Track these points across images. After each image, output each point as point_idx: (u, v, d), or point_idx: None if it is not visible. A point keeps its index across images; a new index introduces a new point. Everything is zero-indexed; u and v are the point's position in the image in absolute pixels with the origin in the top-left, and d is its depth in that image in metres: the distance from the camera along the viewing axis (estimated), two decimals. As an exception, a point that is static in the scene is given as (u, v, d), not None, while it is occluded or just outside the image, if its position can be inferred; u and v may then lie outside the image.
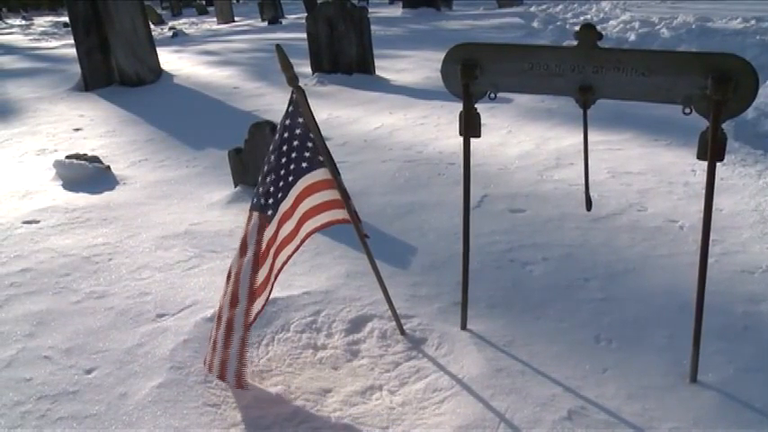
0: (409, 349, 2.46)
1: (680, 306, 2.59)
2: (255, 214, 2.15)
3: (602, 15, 13.26)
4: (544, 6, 16.57)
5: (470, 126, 2.26)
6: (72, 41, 8.63)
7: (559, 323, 2.55)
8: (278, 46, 2.08)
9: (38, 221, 3.90)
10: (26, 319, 2.76)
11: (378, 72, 8.16)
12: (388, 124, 5.81)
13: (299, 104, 2.14)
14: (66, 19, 17.11)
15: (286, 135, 2.15)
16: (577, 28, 2.06)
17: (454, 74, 2.19)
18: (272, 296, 2.32)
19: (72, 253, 3.42)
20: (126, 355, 2.48)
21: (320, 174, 2.21)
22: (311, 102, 2.20)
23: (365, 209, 3.63)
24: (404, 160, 4.69)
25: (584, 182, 2.28)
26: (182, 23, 20.38)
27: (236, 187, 4.15)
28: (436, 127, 5.60)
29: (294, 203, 2.20)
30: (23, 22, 26.14)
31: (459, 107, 2.26)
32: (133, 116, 6.80)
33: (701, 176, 3.90)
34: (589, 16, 13.43)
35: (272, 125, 3.83)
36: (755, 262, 2.92)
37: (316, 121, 2.15)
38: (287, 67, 2.04)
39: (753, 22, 9.88)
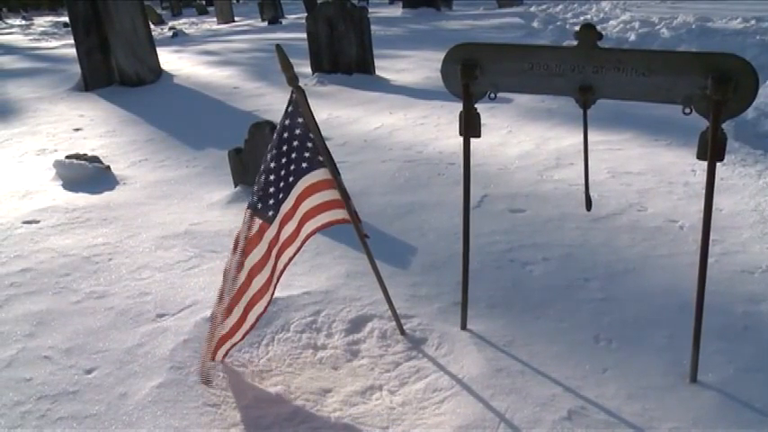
0: (409, 349, 2.46)
1: (680, 306, 2.59)
2: (255, 217, 2.14)
3: (602, 15, 13.26)
4: (544, 6, 16.57)
5: (470, 126, 2.26)
6: (72, 41, 8.63)
7: (559, 323, 2.55)
8: (278, 46, 2.08)
9: (38, 221, 3.90)
10: (26, 319, 2.76)
11: (378, 72, 8.16)
12: (388, 124, 5.81)
13: (298, 104, 2.13)
14: (66, 19, 17.11)
15: (286, 135, 2.15)
16: (577, 28, 2.06)
17: (454, 74, 2.19)
18: (249, 333, 2.32)
19: (72, 253, 3.42)
20: (126, 355, 2.48)
21: (320, 174, 2.21)
22: (311, 102, 2.20)
23: (365, 209, 3.63)
24: (404, 160, 4.69)
25: (584, 182, 2.28)
26: (182, 23, 20.39)
27: (236, 187, 4.15)
28: (436, 127, 5.60)
29: (295, 204, 2.20)
30: (23, 22, 26.14)
31: (459, 107, 2.26)
32: (133, 116, 6.80)
33: (701, 176, 3.90)
34: (589, 16, 13.43)
35: (271, 125, 3.83)
36: (755, 262, 2.92)
37: (316, 121, 2.15)
38: (287, 67, 2.04)
39: (753, 22, 9.89)
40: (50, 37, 17.89)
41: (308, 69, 8.26)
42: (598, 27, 2.42)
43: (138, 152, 5.43)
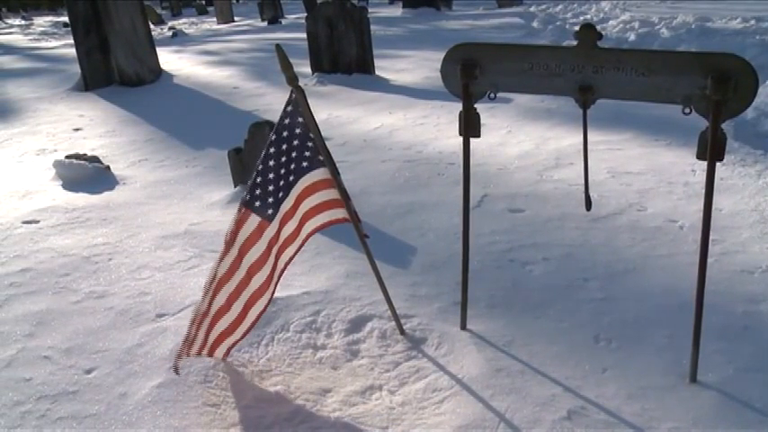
0: (409, 349, 2.46)
1: (680, 306, 2.59)
2: (253, 214, 2.13)
3: (601, 15, 13.26)
4: (544, 6, 16.57)
5: (470, 126, 2.26)
6: (72, 41, 8.63)
7: (559, 323, 2.55)
8: (278, 46, 2.08)
9: (38, 221, 3.90)
10: (26, 319, 2.76)
11: (377, 72, 8.16)
12: (388, 124, 5.81)
13: (298, 104, 2.13)
14: (65, 19, 17.12)
15: (285, 134, 2.15)
16: (577, 28, 2.06)
17: (454, 74, 2.19)
18: (251, 331, 2.32)
19: (72, 253, 3.42)
20: (126, 354, 2.48)
21: (320, 173, 2.21)
22: (311, 102, 2.20)
23: (365, 209, 3.63)
24: (403, 160, 4.69)
25: (583, 182, 2.28)
26: (181, 23, 20.38)
27: (235, 187, 4.15)
28: (436, 127, 5.60)
29: (295, 203, 2.19)
30: (23, 22, 26.14)
31: (458, 107, 2.26)
32: (133, 116, 6.80)
33: (701, 176, 3.90)
34: (589, 16, 13.44)
35: (271, 125, 3.83)
36: (755, 262, 2.92)
37: (315, 121, 2.15)
38: (287, 67, 2.04)
39: (752, 22, 9.89)
40: (50, 37, 17.89)
41: (308, 69, 8.26)
42: (598, 27, 2.42)
43: (138, 152, 5.43)
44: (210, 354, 2.29)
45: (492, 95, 2.20)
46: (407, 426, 2.06)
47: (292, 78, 2.07)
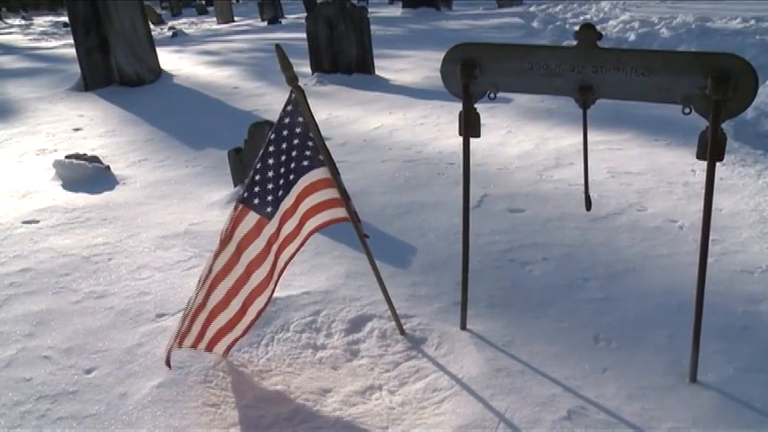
0: (409, 349, 2.46)
1: (679, 306, 2.59)
2: (251, 212, 2.13)
3: (601, 15, 13.26)
4: (544, 6, 16.57)
5: (470, 126, 2.26)
6: (71, 41, 8.63)
7: (559, 323, 2.55)
8: (278, 46, 2.08)
9: (37, 221, 3.90)
10: (26, 319, 2.76)
11: (377, 72, 8.16)
12: (388, 124, 5.81)
13: (298, 104, 2.14)
14: (65, 19, 17.12)
15: (285, 133, 2.15)
16: (577, 28, 2.06)
17: (454, 74, 2.19)
18: (251, 328, 2.32)
19: (72, 253, 3.42)
20: (126, 354, 2.48)
21: (321, 173, 2.21)
22: (311, 101, 2.20)
23: (365, 209, 3.63)
24: (403, 160, 4.69)
25: (583, 182, 2.28)
26: (181, 23, 20.38)
27: (235, 187, 4.15)
28: (436, 127, 5.60)
29: (296, 202, 2.20)
30: (23, 22, 26.14)
31: (458, 107, 2.26)
32: (133, 116, 6.80)
33: (701, 176, 3.90)
34: (589, 16, 13.44)
35: (271, 125, 3.83)
36: (755, 262, 2.92)
37: (315, 121, 2.15)
38: (287, 67, 2.04)
39: (752, 21, 9.89)
40: (50, 37, 17.88)
41: (308, 69, 8.26)
42: (598, 27, 2.42)
43: (138, 152, 5.43)
44: (209, 349, 2.28)
45: (492, 95, 2.20)
46: (407, 426, 2.06)
47: (292, 78, 2.07)
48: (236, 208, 2.13)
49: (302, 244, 2.28)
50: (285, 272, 2.29)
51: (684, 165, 4.20)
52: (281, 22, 17.32)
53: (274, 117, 5.20)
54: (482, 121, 2.33)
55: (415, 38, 11.91)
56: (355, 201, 2.46)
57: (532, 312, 2.63)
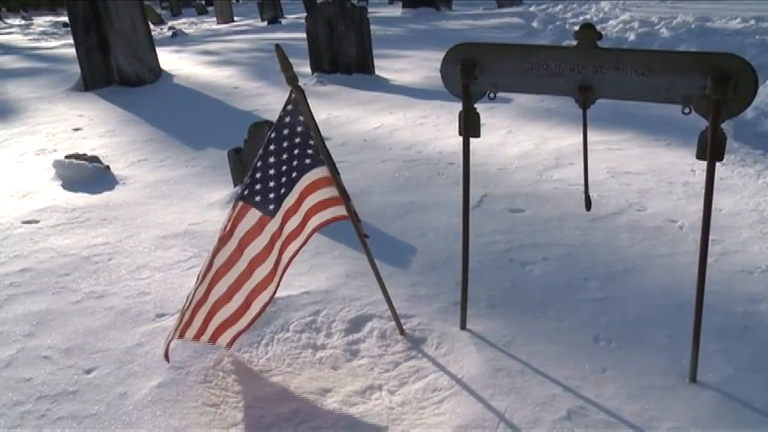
0: (409, 349, 2.46)
1: (679, 306, 2.59)
2: (252, 209, 2.14)
3: (601, 15, 13.26)
4: (544, 6, 16.57)
5: (470, 126, 2.26)
6: (71, 41, 8.63)
7: (559, 323, 2.55)
8: (277, 46, 2.08)
9: (37, 221, 3.90)
10: (26, 319, 2.76)
11: (377, 72, 8.16)
12: (388, 124, 5.81)
13: (298, 104, 2.14)
14: (65, 19, 17.11)
15: (286, 132, 2.16)
16: (577, 28, 2.06)
17: (454, 74, 2.19)
18: (255, 321, 2.32)
19: (72, 253, 3.42)
20: (125, 354, 2.48)
21: (323, 171, 2.22)
22: (311, 101, 2.20)
23: (365, 208, 3.63)
24: (403, 160, 4.69)
25: (583, 182, 2.28)
26: (181, 23, 20.38)
27: (235, 187, 4.15)
28: (436, 127, 5.60)
29: (299, 199, 2.21)
30: (23, 22, 26.13)
31: (458, 107, 2.26)
32: (133, 116, 6.80)
33: (701, 176, 3.90)
34: (589, 16, 13.44)
35: (271, 125, 3.82)
36: (755, 262, 2.92)
37: (315, 121, 2.15)
38: (286, 67, 2.04)
39: (752, 21, 9.89)
40: (50, 37, 17.88)
41: (308, 69, 8.26)
42: (598, 27, 2.42)
43: (138, 152, 5.42)
44: (212, 341, 2.29)
45: (492, 95, 2.20)
46: (407, 426, 2.06)
47: (292, 78, 2.07)
48: (234, 206, 2.13)
49: (306, 240, 2.29)
50: (288, 268, 2.29)
51: (684, 165, 4.20)
52: (280, 22, 17.32)
53: (274, 117, 5.20)
54: (482, 121, 2.33)
55: (415, 38, 11.91)
56: (355, 201, 2.46)
57: (532, 312, 2.63)
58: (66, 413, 2.16)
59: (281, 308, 2.74)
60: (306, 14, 9.56)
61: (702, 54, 1.87)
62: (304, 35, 8.30)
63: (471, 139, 2.29)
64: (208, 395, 2.23)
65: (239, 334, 2.32)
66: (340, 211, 2.32)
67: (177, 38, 14.62)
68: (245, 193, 2.13)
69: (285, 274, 2.29)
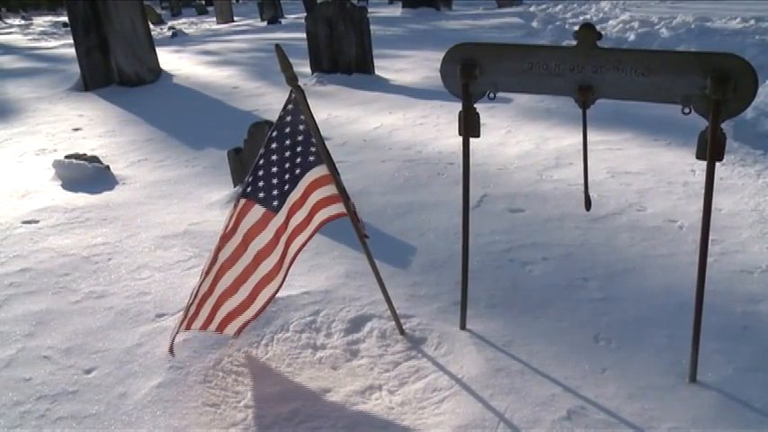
0: (409, 349, 2.46)
1: (679, 306, 2.59)
2: (256, 205, 2.15)
3: (601, 15, 13.26)
4: (543, 6, 16.57)
5: (470, 126, 2.26)
6: (71, 41, 8.62)
7: (559, 323, 2.55)
8: (277, 46, 2.08)
9: (37, 221, 3.90)
10: (25, 319, 2.76)
11: (377, 72, 8.16)
12: (388, 124, 5.81)
13: (299, 103, 2.14)
14: (65, 19, 17.10)
15: (288, 131, 2.17)
16: (577, 28, 2.06)
17: (453, 74, 2.19)
18: (263, 311, 2.33)
19: (71, 253, 3.42)
20: (125, 354, 2.48)
21: (326, 169, 2.23)
22: (310, 101, 2.20)
23: (365, 208, 3.63)
24: (403, 160, 4.69)
25: (583, 182, 2.28)
26: (181, 23, 20.38)
27: (235, 187, 4.15)
28: (435, 127, 5.60)
29: (304, 194, 2.23)
30: (22, 22, 26.13)
31: (458, 107, 2.26)
32: (132, 116, 6.80)
33: (701, 176, 3.90)
34: (588, 16, 13.44)
35: (271, 125, 3.82)
36: (755, 262, 2.92)
37: (315, 121, 2.15)
38: (286, 67, 2.04)
39: (752, 21, 9.89)
40: (50, 37, 17.88)
41: (308, 69, 8.26)
42: (597, 27, 2.42)
43: (138, 152, 5.42)
44: (220, 330, 2.30)
45: (492, 95, 2.20)
46: (407, 426, 2.06)
47: (292, 78, 2.07)
48: (237, 204, 2.15)
49: (313, 233, 2.30)
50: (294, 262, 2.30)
51: (684, 165, 4.20)
52: (280, 22, 17.32)
53: (274, 117, 5.20)
54: (482, 121, 2.33)
55: (415, 38, 11.91)
56: (355, 201, 2.46)
57: (532, 312, 2.63)
58: (65, 413, 2.16)
59: (281, 308, 2.74)
60: (306, 14, 9.56)
61: (702, 54, 1.87)
62: (304, 35, 8.30)
63: (471, 139, 2.29)
64: (208, 395, 2.23)
65: (247, 323, 2.34)
66: (345, 208, 2.34)
67: (177, 38, 14.62)
68: (248, 190, 2.15)
69: (292, 267, 2.29)
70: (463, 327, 2.54)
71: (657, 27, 10.02)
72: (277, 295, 2.75)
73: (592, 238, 3.26)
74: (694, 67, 1.86)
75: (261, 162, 2.16)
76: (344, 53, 8.01)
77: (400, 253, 3.21)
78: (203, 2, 28.64)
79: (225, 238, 2.14)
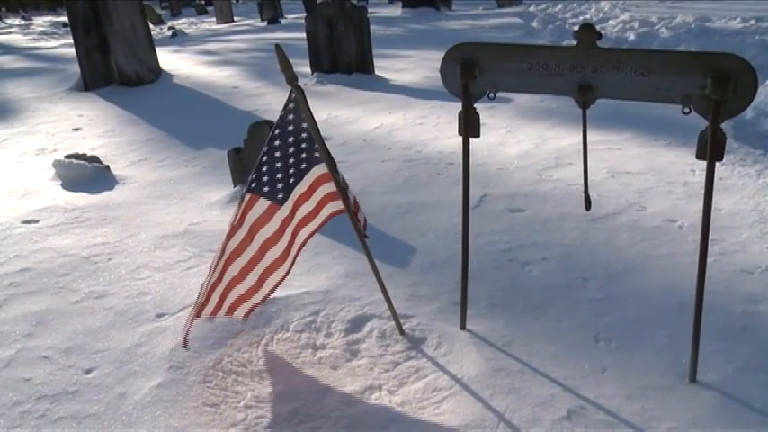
0: (408, 349, 2.46)
1: (679, 306, 2.59)
2: (261, 198, 2.16)
3: (601, 15, 13.26)
4: (543, 6, 16.57)
5: (470, 126, 2.26)
6: (71, 41, 8.62)
7: (559, 323, 2.55)
8: (277, 46, 2.08)
9: (37, 221, 3.90)
10: (25, 319, 2.76)
11: (377, 72, 8.16)
12: (388, 124, 5.81)
13: (299, 103, 2.15)
14: (65, 19, 17.10)
15: (291, 128, 2.19)
16: (577, 28, 2.06)
17: (453, 74, 2.19)
18: (271, 295, 2.33)
19: (71, 253, 3.42)
20: (125, 354, 2.48)
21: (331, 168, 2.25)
22: (310, 101, 2.20)
23: (365, 208, 3.62)
24: (403, 160, 4.69)
25: (583, 181, 2.28)
26: (181, 23, 20.38)
27: (235, 187, 4.15)
28: (435, 127, 5.60)
29: (311, 188, 2.24)
30: (22, 22, 26.13)
31: (458, 107, 2.26)
32: (132, 116, 6.80)
33: (701, 176, 3.90)
34: (588, 16, 13.44)
35: (271, 125, 3.83)
36: (754, 262, 2.92)
37: (315, 122, 2.16)
38: (286, 67, 2.04)
39: (752, 21, 9.89)
40: (50, 37, 17.88)
41: (308, 69, 8.26)
42: (597, 27, 2.42)
43: (138, 152, 5.42)
44: (230, 313, 2.31)
45: (491, 95, 2.20)
46: (407, 426, 2.06)
47: (292, 78, 2.07)
48: (243, 198, 2.17)
49: (323, 223, 2.31)
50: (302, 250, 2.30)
51: (684, 164, 4.20)
52: (280, 22, 17.32)
53: (274, 117, 5.20)
54: (482, 121, 2.33)
55: (415, 38, 11.91)
56: (357, 200, 2.46)
57: (532, 312, 2.63)
58: (65, 413, 2.16)
59: (281, 308, 2.74)
60: (306, 14, 9.56)
61: (702, 54, 1.87)
62: (304, 35, 8.30)
63: (471, 139, 2.29)
64: (207, 395, 2.23)
65: (255, 306, 2.35)
66: (345, 207, 2.34)
67: (177, 38, 14.62)
68: (253, 186, 2.17)
69: (300, 255, 2.29)
70: (463, 327, 2.54)
71: (657, 27, 10.03)
72: (277, 295, 2.76)
73: (592, 238, 3.26)
74: (694, 67, 1.86)
75: (264, 159, 2.18)
76: (344, 53, 8.01)
77: (400, 253, 3.21)
78: (203, 2, 28.64)
79: (231, 231, 2.17)
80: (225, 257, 2.18)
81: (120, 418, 2.13)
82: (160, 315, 2.75)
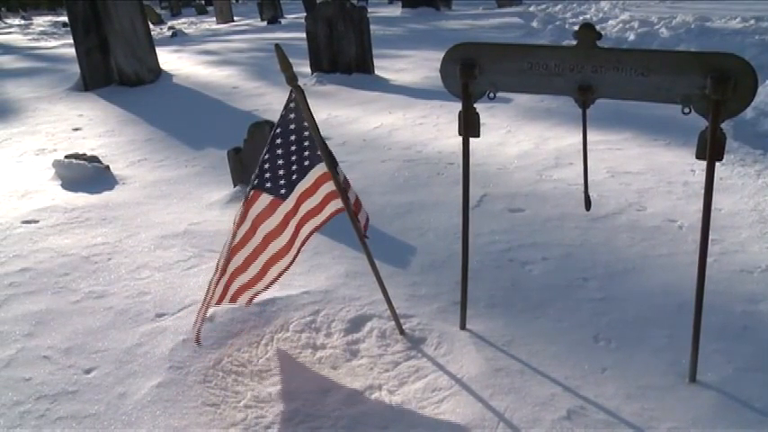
0: (408, 349, 2.46)
1: (679, 306, 2.59)
2: (264, 194, 2.18)
3: (601, 15, 13.26)
4: (543, 6, 16.57)
5: (470, 126, 2.26)
6: (71, 41, 8.62)
7: (558, 323, 2.55)
8: (277, 45, 2.08)
9: (37, 221, 3.90)
10: (25, 319, 2.76)
11: (377, 72, 8.16)
12: (388, 124, 5.81)
13: (299, 103, 2.15)
14: (65, 19, 17.09)
15: (293, 127, 2.19)
16: (577, 28, 2.06)
17: (453, 73, 2.19)
18: (271, 295, 2.34)
19: (71, 253, 3.42)
20: (125, 354, 2.48)
21: (332, 168, 2.25)
22: (310, 101, 2.20)
23: (365, 208, 3.62)
24: (403, 160, 4.69)
25: (583, 181, 2.28)
26: (181, 23, 20.38)
27: (235, 187, 4.15)
28: (435, 127, 5.60)
29: (315, 184, 2.25)
30: (22, 22, 26.13)
31: (458, 107, 2.26)
32: (132, 116, 6.80)
33: (701, 176, 3.90)
34: (588, 16, 13.44)
35: (271, 125, 3.83)
36: (754, 261, 2.92)
37: (315, 122, 2.16)
38: (286, 67, 2.04)
39: (752, 21, 9.89)
40: (49, 37, 17.88)
41: (308, 69, 8.25)
42: (597, 27, 2.42)
43: (138, 152, 5.42)
44: (233, 300, 2.32)
45: (491, 95, 2.20)
46: (407, 425, 2.06)
47: (292, 78, 2.07)
48: (246, 196, 2.18)
49: (329, 218, 2.31)
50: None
51: (684, 164, 4.20)
52: (280, 22, 17.32)
53: (274, 117, 5.20)
54: (482, 121, 2.33)
55: (415, 38, 11.91)
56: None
57: (532, 312, 2.63)
58: (65, 413, 2.16)
59: (281, 308, 2.74)
60: (305, 14, 9.55)
61: (702, 54, 1.87)
62: (304, 35, 8.30)
63: (471, 139, 2.29)
64: (207, 395, 2.23)
65: (257, 294, 2.36)
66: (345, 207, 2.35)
67: (177, 38, 14.62)
68: (256, 182, 2.19)
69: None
70: (463, 327, 2.54)
71: (657, 27, 10.03)
72: (277, 295, 2.76)
73: (592, 237, 3.26)
74: (694, 67, 1.86)
75: (266, 157, 2.19)
76: (344, 53, 8.01)
77: (400, 253, 3.21)
78: (203, 2, 28.64)
79: (236, 225, 2.19)
80: (228, 251, 2.19)
81: (120, 418, 2.13)
82: (160, 315, 2.75)
